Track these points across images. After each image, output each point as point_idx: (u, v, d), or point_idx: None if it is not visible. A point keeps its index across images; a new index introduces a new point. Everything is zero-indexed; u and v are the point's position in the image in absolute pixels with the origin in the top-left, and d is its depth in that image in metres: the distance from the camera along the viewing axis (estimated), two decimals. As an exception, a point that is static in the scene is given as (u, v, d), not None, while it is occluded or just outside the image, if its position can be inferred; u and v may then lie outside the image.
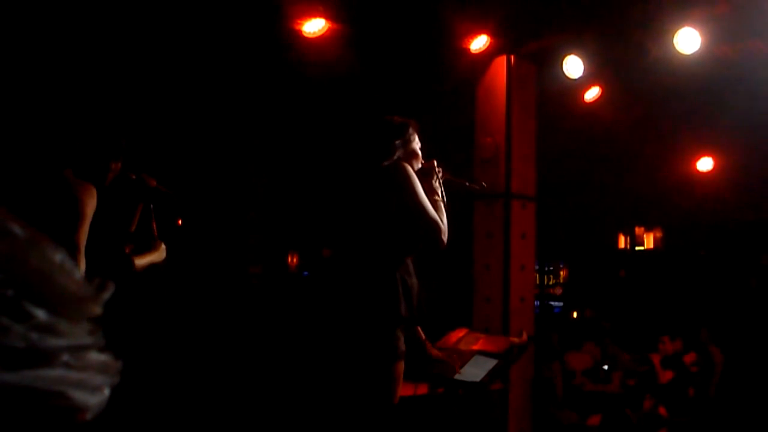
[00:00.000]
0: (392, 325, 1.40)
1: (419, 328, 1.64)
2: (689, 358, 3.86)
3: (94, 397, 0.50)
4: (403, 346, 1.42)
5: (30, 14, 2.25)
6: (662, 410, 3.62)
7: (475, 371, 1.96)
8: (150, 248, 1.54)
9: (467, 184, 1.64)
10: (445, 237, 1.44)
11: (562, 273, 6.29)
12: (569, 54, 3.04)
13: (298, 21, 2.60)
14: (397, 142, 1.48)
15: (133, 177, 1.60)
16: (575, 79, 3.09)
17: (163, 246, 1.57)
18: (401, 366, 1.43)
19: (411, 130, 1.52)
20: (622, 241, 5.87)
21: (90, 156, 1.49)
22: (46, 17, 2.28)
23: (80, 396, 0.48)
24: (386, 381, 1.39)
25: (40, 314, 0.47)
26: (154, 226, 1.63)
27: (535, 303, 3.91)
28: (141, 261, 1.50)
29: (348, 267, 1.45)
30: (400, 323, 1.41)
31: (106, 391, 0.52)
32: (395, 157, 1.48)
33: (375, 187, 1.45)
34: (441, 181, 1.56)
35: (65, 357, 0.48)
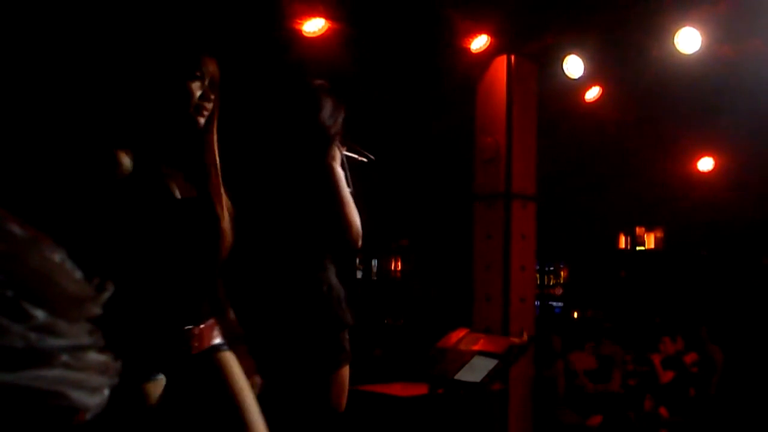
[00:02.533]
0: (340, 330, 1.33)
1: None
2: (690, 358, 3.86)
3: (93, 398, 0.49)
4: (348, 348, 1.35)
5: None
6: (663, 410, 3.62)
7: (475, 371, 1.95)
8: None
9: (357, 157, 1.44)
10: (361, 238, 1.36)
11: (562, 273, 6.29)
12: (570, 54, 3.03)
13: (298, 20, 2.60)
14: (333, 131, 1.33)
15: None
16: (576, 79, 3.09)
17: None
18: (347, 370, 1.35)
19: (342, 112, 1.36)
20: (622, 241, 5.86)
21: (162, 76, 1.04)
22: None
23: (79, 396, 0.48)
24: (336, 386, 1.31)
25: (40, 314, 0.47)
26: None
27: (536, 303, 3.90)
28: None
29: (280, 273, 1.32)
30: (346, 327, 1.34)
31: (106, 392, 0.52)
32: (332, 154, 1.33)
33: (305, 190, 1.32)
34: (345, 162, 1.39)
35: (64, 357, 0.47)
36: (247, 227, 1.22)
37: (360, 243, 1.35)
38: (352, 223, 1.33)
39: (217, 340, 1.09)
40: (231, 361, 1.08)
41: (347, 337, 1.35)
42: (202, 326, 1.06)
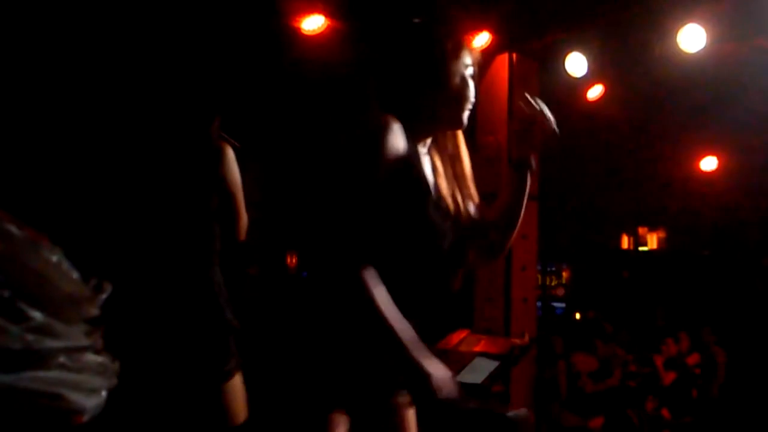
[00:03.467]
0: (229, 334, 1.18)
1: None
2: (692, 359, 3.84)
3: (90, 399, 0.49)
4: (237, 353, 1.19)
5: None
6: (665, 412, 3.60)
7: (476, 373, 1.95)
8: None
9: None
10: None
11: (564, 274, 6.27)
12: (572, 52, 3.02)
13: (297, 18, 2.59)
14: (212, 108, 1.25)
15: None
16: (578, 78, 3.08)
17: None
18: (240, 379, 1.18)
19: None
20: (625, 242, 5.84)
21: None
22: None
23: (77, 398, 0.47)
24: (228, 397, 1.16)
25: (37, 315, 0.46)
26: None
27: (538, 304, 3.89)
28: None
29: (166, 269, 1.14)
30: (234, 331, 1.19)
31: (103, 393, 0.51)
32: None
33: (189, 170, 1.17)
34: None
35: (62, 358, 0.47)
36: (130, 216, 1.08)
37: (245, 236, 1.23)
38: (240, 211, 1.22)
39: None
40: (410, 417, 0.89)
41: (235, 341, 1.20)
42: None
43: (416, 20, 1.00)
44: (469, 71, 1.00)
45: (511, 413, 0.79)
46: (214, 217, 1.21)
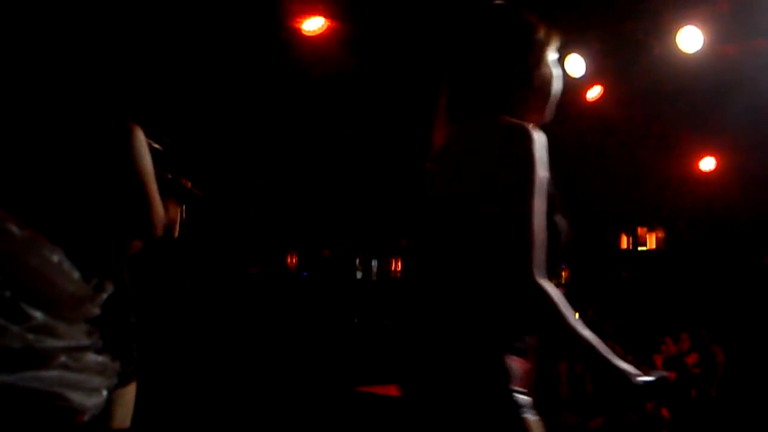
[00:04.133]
0: (132, 339, 1.07)
1: None
2: (691, 359, 3.85)
3: (91, 399, 0.49)
4: (136, 360, 1.08)
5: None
6: (664, 411, 3.61)
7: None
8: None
9: (151, 143, 1.13)
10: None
11: (563, 273, 6.28)
12: (571, 53, 3.03)
13: (298, 19, 2.60)
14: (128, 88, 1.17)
15: (169, 176, 1.23)
16: (577, 78, 3.08)
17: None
18: (134, 388, 1.09)
19: None
20: (624, 242, 5.85)
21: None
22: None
23: (78, 397, 0.47)
24: (117, 405, 1.04)
25: (38, 315, 0.46)
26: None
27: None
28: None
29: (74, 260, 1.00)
30: (136, 337, 1.09)
31: (104, 393, 0.51)
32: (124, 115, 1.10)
33: (99, 153, 1.03)
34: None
35: (63, 358, 0.47)
36: (35, 200, 0.96)
37: (161, 231, 1.09)
38: (152, 203, 1.07)
39: None
40: None
41: (135, 347, 1.09)
42: None
43: (499, 2, 0.90)
44: (555, 59, 0.91)
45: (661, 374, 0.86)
46: (121, 210, 1.06)
